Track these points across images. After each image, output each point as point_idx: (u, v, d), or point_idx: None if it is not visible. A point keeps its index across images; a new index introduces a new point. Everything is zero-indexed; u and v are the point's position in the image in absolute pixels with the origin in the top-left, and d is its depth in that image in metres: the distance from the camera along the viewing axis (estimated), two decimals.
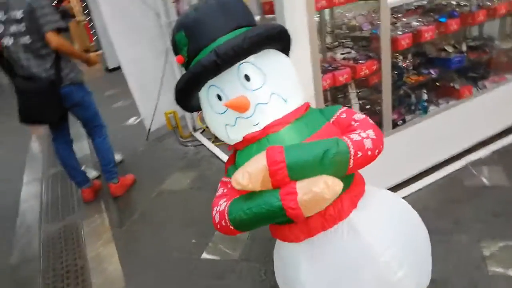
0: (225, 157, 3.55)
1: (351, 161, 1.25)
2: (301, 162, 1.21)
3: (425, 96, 2.58)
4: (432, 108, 2.63)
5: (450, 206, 2.37)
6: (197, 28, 1.37)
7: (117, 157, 3.83)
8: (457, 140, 2.77)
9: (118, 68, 7.32)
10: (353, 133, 1.31)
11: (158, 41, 4.06)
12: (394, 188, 2.53)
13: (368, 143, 1.28)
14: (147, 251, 2.62)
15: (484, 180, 2.55)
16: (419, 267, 1.49)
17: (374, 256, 1.36)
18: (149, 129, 4.34)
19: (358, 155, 1.25)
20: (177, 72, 4.04)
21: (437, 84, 2.81)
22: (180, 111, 4.16)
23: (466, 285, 1.83)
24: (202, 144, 4.01)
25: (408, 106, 2.62)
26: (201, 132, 4.28)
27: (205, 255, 2.43)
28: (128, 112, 5.33)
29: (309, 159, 1.21)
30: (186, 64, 1.45)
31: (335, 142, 1.24)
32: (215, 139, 3.90)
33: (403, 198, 2.41)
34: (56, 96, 2.88)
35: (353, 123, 1.39)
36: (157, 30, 4.03)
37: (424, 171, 2.67)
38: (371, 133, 1.32)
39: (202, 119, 4.29)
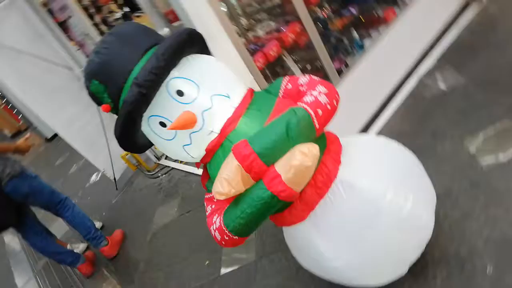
0: (199, 171, 3.48)
1: (315, 121, 1.25)
2: (269, 146, 1.20)
3: (355, 35, 2.61)
4: (366, 43, 2.67)
5: (422, 122, 2.42)
6: (107, 70, 1.30)
7: (97, 224, 3.68)
8: (402, 60, 2.83)
9: (56, 135, 7.06)
10: (305, 96, 1.31)
11: (81, 92, 3.88)
12: (366, 129, 2.57)
13: (323, 99, 1.28)
14: None
15: (441, 86, 2.61)
16: (422, 191, 1.53)
17: (378, 200, 1.38)
18: (115, 179, 4.21)
19: (320, 113, 1.25)
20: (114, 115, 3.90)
21: (362, 19, 2.84)
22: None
23: (468, 187, 1.87)
24: (172, 168, 3.92)
25: (344, 50, 2.65)
26: (165, 158, 4.18)
27: (224, 270, 2.39)
28: (86, 172, 5.15)
29: (276, 139, 1.20)
30: (114, 109, 1.38)
31: (292, 112, 1.23)
32: None
33: (377, 134, 2.50)
34: (2, 197, 2.71)
35: (300, 88, 1.39)
36: (75, 83, 3.87)
37: (386, 101, 2.71)
38: (321, 88, 1.32)
39: None
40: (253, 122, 1.32)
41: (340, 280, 1.56)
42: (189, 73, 1.33)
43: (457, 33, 2.99)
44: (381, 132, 2.52)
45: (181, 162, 3.82)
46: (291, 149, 1.20)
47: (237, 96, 1.36)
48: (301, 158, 1.16)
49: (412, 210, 1.40)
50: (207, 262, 2.54)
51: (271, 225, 2.33)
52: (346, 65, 2.50)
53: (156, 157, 4.22)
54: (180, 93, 1.30)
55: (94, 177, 4.97)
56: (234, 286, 2.25)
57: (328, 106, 1.28)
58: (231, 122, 1.32)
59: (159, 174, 3.99)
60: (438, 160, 2.09)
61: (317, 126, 1.25)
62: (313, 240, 1.45)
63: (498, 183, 1.81)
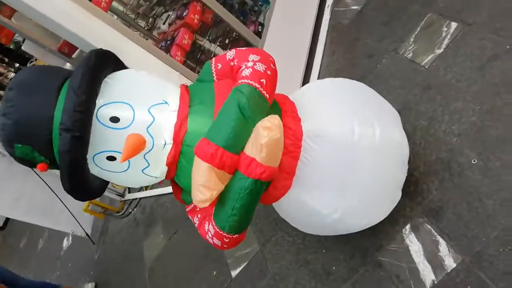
0: (167, 189, 3.33)
1: (263, 91, 1.19)
2: (231, 135, 1.13)
3: None
4: None
5: (352, 49, 2.39)
6: (25, 129, 1.14)
7: (89, 286, 3.53)
8: None
9: (8, 219, 6.64)
10: (242, 71, 1.23)
11: (13, 166, 3.58)
12: (305, 80, 2.52)
13: (260, 67, 1.23)
14: None
15: (354, 7, 2.58)
16: (383, 113, 1.52)
17: (348, 138, 1.35)
18: (87, 234, 3.95)
19: (264, 82, 1.20)
20: (57, 172, 3.64)
21: None
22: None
23: (420, 92, 1.86)
24: (140, 199, 3.74)
25: (252, 11, 2.56)
26: (129, 192, 3.98)
27: (234, 272, 2.31)
28: (55, 241, 4.81)
29: (234, 124, 1.14)
30: (52, 165, 1.22)
31: (237, 91, 1.17)
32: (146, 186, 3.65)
33: (318, 78, 2.47)
34: None
35: (231, 63, 1.31)
36: (3, 159, 3.55)
37: (311, 45, 2.65)
38: (253, 57, 1.27)
39: None
40: (202, 117, 1.24)
41: (345, 230, 1.54)
42: (115, 96, 1.20)
43: None
44: (320, 76, 2.48)
45: (145, 189, 3.64)
46: (253, 129, 1.14)
47: (174, 98, 1.26)
48: (267, 133, 1.11)
49: (383, 135, 1.39)
50: (215, 273, 2.45)
51: (260, 210, 2.29)
52: (261, 25, 2.42)
53: (119, 195, 4.00)
54: (114, 119, 1.17)
55: (65, 242, 4.65)
56: (251, 283, 2.18)
57: (269, 72, 1.22)
58: (180, 126, 1.22)
59: (130, 210, 3.79)
60: (384, 79, 2.08)
61: (266, 96, 1.20)
62: (306, 203, 1.41)
63: (446, 76, 1.81)
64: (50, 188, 3.56)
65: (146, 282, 2.97)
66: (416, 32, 2.08)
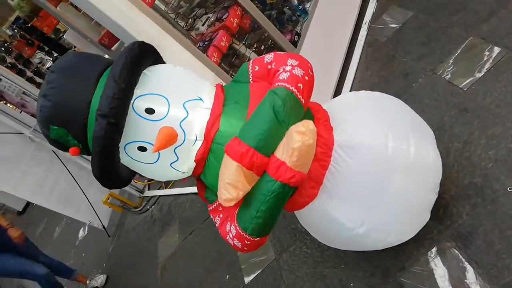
0: (187, 189, 3.35)
1: (299, 96, 1.18)
2: (263, 136, 1.13)
3: (295, 1, 2.53)
4: (308, 6, 2.59)
5: (389, 67, 2.37)
6: (63, 111, 1.17)
7: (101, 278, 3.58)
8: (346, 12, 2.77)
9: (28, 205, 6.74)
10: (279, 74, 1.23)
11: (40, 152, 3.68)
12: (337, 93, 2.50)
13: (298, 71, 1.22)
14: None
15: (393, 25, 2.57)
16: (419, 131, 1.48)
17: (382, 152, 1.32)
18: (104, 227, 4.00)
19: (301, 87, 1.19)
20: (82, 161, 3.71)
21: None
22: (114, 190, 3.87)
23: (457, 115, 1.83)
24: (159, 196, 3.76)
25: (290, 21, 2.57)
26: (149, 189, 4.01)
27: (247, 279, 2.29)
28: (72, 230, 4.90)
29: (267, 126, 1.13)
30: (84, 150, 1.25)
31: (273, 94, 1.16)
32: (166, 183, 3.67)
33: (350, 92, 2.44)
34: None
35: (269, 67, 1.31)
36: (30, 145, 3.64)
37: (346, 58, 2.64)
38: (292, 61, 1.26)
39: (139, 178, 4.02)
40: (235, 117, 1.23)
41: (368, 246, 1.50)
42: (152, 88, 1.22)
43: None
44: (353, 90, 2.46)
45: (165, 187, 3.66)
46: (286, 132, 1.13)
47: (209, 95, 1.26)
48: (301, 138, 1.09)
49: (418, 152, 1.35)
50: (228, 277, 2.43)
51: (279, 218, 2.26)
52: (298, 35, 2.42)
53: (139, 191, 4.04)
54: (150, 110, 1.18)
55: (81, 233, 4.72)
56: None
57: (306, 77, 1.22)
58: (212, 124, 1.22)
59: (148, 207, 3.82)
60: (419, 99, 2.05)
61: (302, 101, 1.19)
62: (331, 214, 1.38)
63: (485, 100, 1.77)
64: (73, 177, 3.65)
65: (158, 279, 2.97)
66: (456, 54, 2.04)
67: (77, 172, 3.75)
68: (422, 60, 2.20)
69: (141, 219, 3.80)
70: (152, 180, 3.91)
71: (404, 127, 1.41)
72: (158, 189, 3.80)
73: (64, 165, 3.70)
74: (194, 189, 3.22)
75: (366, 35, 2.70)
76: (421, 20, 2.40)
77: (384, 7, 2.75)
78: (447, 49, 2.10)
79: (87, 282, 3.47)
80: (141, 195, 4.02)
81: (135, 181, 4.02)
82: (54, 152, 3.61)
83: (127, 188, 3.98)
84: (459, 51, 2.04)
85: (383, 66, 2.42)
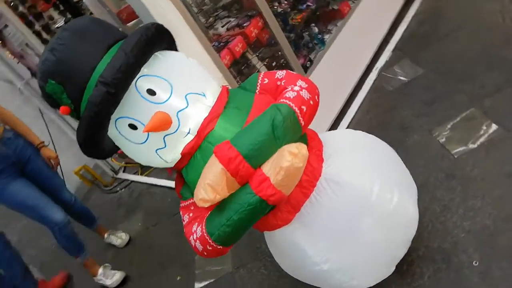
0: (162, 181, 3.30)
1: (301, 118, 1.18)
2: (255, 147, 1.11)
3: (315, 30, 2.57)
4: (327, 37, 2.63)
5: (389, 116, 2.41)
6: (66, 69, 1.16)
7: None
8: (361, 53, 2.84)
9: None
10: (286, 92, 1.23)
11: (26, 107, 3.60)
12: (333, 127, 2.52)
13: (305, 94, 1.22)
14: None
15: (401, 77, 2.62)
16: (405, 183, 1.50)
17: (365, 196, 1.33)
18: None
19: (304, 110, 1.20)
20: (64, 126, 3.65)
21: (318, 13, 2.81)
22: (90, 162, 3.80)
23: (442, 178, 1.86)
24: (132, 181, 3.69)
25: (306, 46, 2.60)
26: (123, 171, 3.94)
27: (198, 285, 2.24)
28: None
29: (262, 139, 1.12)
30: (75, 112, 1.23)
31: (276, 109, 1.16)
32: (142, 170, 3.61)
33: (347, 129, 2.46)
34: None
35: (278, 83, 1.31)
36: (20, 97, 3.57)
37: (349, 97, 2.69)
38: (301, 83, 1.26)
39: (117, 158, 3.95)
40: (232, 121, 1.22)
41: (328, 284, 1.48)
42: (160, 71, 1.21)
43: (406, 25, 3.06)
44: (349, 128, 2.49)
45: (141, 174, 3.60)
46: (278, 149, 1.12)
47: (213, 94, 1.25)
48: (291, 159, 1.08)
49: (399, 205, 1.36)
50: (178, 278, 2.38)
51: (246, 234, 2.24)
52: (310, 61, 2.44)
53: (113, 171, 3.97)
54: (151, 92, 1.17)
55: None
56: None
57: (311, 102, 1.22)
58: (209, 122, 1.21)
59: (118, 189, 3.75)
60: (409, 153, 2.07)
61: (302, 123, 1.19)
62: (300, 244, 1.36)
63: (472, 171, 1.80)
64: (51, 139, 3.54)
65: (109, 261, 2.87)
66: (455, 121, 2.08)
67: (57, 136, 3.67)
68: (422, 118, 2.24)
69: (108, 199, 3.72)
70: (130, 163, 3.85)
71: (392, 177, 1.43)
72: (133, 174, 3.73)
73: (46, 125, 3.63)
74: (169, 183, 3.18)
75: (374, 80, 2.75)
76: (430, 80, 2.46)
77: (398, 58, 2.81)
78: (448, 114, 2.15)
79: (105, 235, 3.01)
80: (115, 176, 3.95)
81: (112, 159, 3.95)
82: (40, 111, 3.54)
83: (102, 165, 3.91)
84: (458, 119, 2.08)
85: (384, 113, 2.46)
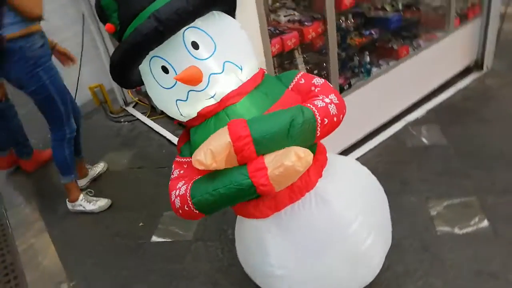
0: (164, 132, 3.33)
1: (319, 129, 1.20)
2: (267, 135, 1.13)
3: (367, 58, 2.57)
4: (374, 70, 2.63)
5: (396, 168, 2.43)
6: None
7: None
8: (396, 101, 2.84)
9: None
10: (316, 99, 1.24)
11: (69, 7, 3.62)
12: (343, 153, 2.54)
13: (332, 109, 1.23)
14: (88, 239, 2.40)
15: (424, 139, 2.64)
16: (383, 232, 1.52)
17: (344, 226, 1.35)
18: None
19: (325, 122, 1.21)
20: (99, 41, 3.66)
21: (376, 45, 2.81)
22: (107, 83, 3.82)
23: (417, 247, 1.89)
24: (137, 119, 3.71)
25: (352, 70, 2.60)
26: (134, 106, 3.97)
27: (155, 238, 2.28)
28: None
29: (276, 131, 1.13)
30: (118, 33, 1.25)
31: (300, 110, 1.17)
32: (151, 113, 3.64)
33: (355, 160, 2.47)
34: None
35: (313, 88, 1.32)
36: None
37: (368, 135, 2.70)
38: (333, 97, 1.27)
39: (133, 92, 3.98)
40: (256, 104, 1.24)
41: None
42: (211, 29, 1.22)
43: (452, 94, 3.08)
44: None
45: (149, 116, 3.64)
46: (286, 147, 1.14)
47: (249, 71, 1.27)
48: (295, 160, 1.10)
49: (371, 248, 1.39)
50: (141, 224, 2.42)
51: (219, 213, 2.26)
52: (349, 85, 2.45)
53: (124, 102, 4.00)
54: (195, 45, 1.19)
55: None
56: (160, 257, 2.15)
57: (335, 118, 1.23)
58: (234, 95, 1.22)
59: (122, 120, 3.78)
60: (399, 209, 2.05)
61: (318, 134, 1.20)
62: (266, 242, 1.39)
63: (446, 254, 1.83)
64: (82, 46, 3.56)
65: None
66: (453, 202, 2.11)
67: (88, 46, 3.68)
68: (425, 184, 2.26)
69: (108, 126, 3.75)
70: (142, 101, 3.88)
71: (375, 221, 1.45)
72: (142, 113, 3.76)
73: (83, 33, 3.65)
74: (170, 136, 3.21)
75: (398, 131, 2.77)
76: (449, 154, 2.48)
77: (429, 120, 2.83)
78: (450, 192, 2.17)
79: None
80: (124, 107, 3.98)
81: (128, 91, 3.98)
82: (83, 16, 3.55)
83: (117, 92, 3.93)
84: (457, 201, 2.11)
85: (393, 163, 2.48)
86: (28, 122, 3.14)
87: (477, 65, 3.33)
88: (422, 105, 2.97)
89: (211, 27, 1.23)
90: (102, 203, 2.61)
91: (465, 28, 3.11)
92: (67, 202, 2.63)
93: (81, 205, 2.60)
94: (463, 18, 3.08)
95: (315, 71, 2.34)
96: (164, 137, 3.28)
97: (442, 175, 2.30)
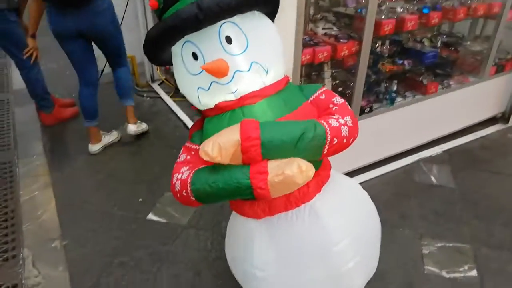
0: (182, 115, 3.39)
1: (327, 147, 1.21)
2: (276, 142, 1.15)
3: (395, 87, 2.57)
4: (398, 100, 2.64)
5: (399, 200, 2.44)
6: None
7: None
8: (414, 134, 2.84)
9: None
10: (331, 118, 1.26)
11: None
12: (349, 174, 2.54)
13: (345, 131, 1.24)
14: (88, 203, 2.47)
15: (433, 178, 2.64)
16: (368, 258, 1.53)
17: (330, 244, 1.36)
18: (102, 70, 4.00)
19: (334, 142, 1.22)
20: (140, 13, 3.73)
21: (407, 75, 2.82)
22: (139, 56, 3.89)
23: (401, 281, 1.90)
24: (159, 97, 3.79)
25: (376, 95, 2.61)
26: (159, 84, 4.04)
27: (151, 216, 2.33)
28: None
29: (285, 140, 1.15)
30: (160, 12, 1.30)
31: (313, 126, 1.19)
32: (174, 94, 3.70)
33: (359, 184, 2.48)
34: None
35: (331, 106, 1.33)
36: None
37: (379, 161, 2.71)
38: (348, 120, 1.28)
39: (162, 71, 4.05)
40: (272, 109, 1.26)
41: None
42: (248, 28, 1.25)
43: (471, 139, 3.07)
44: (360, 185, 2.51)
45: (171, 96, 3.70)
46: (292, 157, 1.16)
47: (274, 76, 1.30)
48: (296, 171, 1.12)
49: (351, 270, 1.40)
50: (140, 200, 2.47)
51: (217, 205, 2.31)
52: (371, 109, 2.46)
53: (151, 78, 4.08)
54: (229, 39, 1.22)
55: None
56: (151, 236, 2.20)
57: (345, 140, 1.25)
58: (254, 96, 1.25)
59: (145, 95, 3.86)
60: (390, 241, 2.10)
61: (324, 152, 1.22)
62: (253, 241, 1.42)
63: None
64: (124, 13, 3.62)
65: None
66: (447, 245, 2.12)
67: (129, 16, 3.69)
68: (422, 221, 2.27)
69: None
70: (168, 80, 3.95)
71: (362, 247, 1.45)
72: (165, 92, 3.83)
73: (127, 3, 3.71)
74: (188, 120, 3.28)
75: (409, 164, 2.77)
76: (454, 197, 2.47)
77: (441, 161, 2.82)
78: (445, 234, 2.17)
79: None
80: (150, 83, 4.06)
81: (157, 69, 4.05)
82: None
83: (146, 67, 4.01)
84: (450, 245, 2.11)
85: (396, 195, 2.49)
86: (56, 78, 3.23)
87: (504, 117, 3.32)
88: (439, 144, 2.97)
89: (248, 25, 1.26)
90: (139, 127, 3.12)
91: (500, 78, 3.10)
92: (89, 145, 2.96)
93: (104, 140, 3.03)
94: (500, 68, 3.06)
95: (340, 88, 2.35)
96: (181, 120, 3.34)
97: (442, 217, 2.30)
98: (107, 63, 3.08)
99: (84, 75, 2.84)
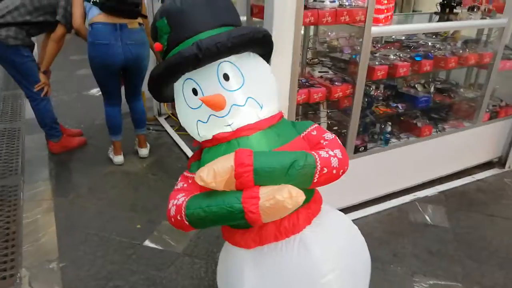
0: (185, 147, 3.51)
1: (316, 175, 1.28)
2: (268, 169, 1.23)
3: (389, 128, 2.68)
4: (393, 140, 2.74)
5: (392, 238, 2.48)
6: (181, 19, 1.36)
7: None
8: (410, 174, 2.91)
9: None
10: (322, 150, 1.34)
11: None
12: (344, 211, 2.58)
13: (334, 162, 1.32)
14: (88, 228, 2.53)
15: (427, 218, 2.69)
16: None
17: (318, 275, 1.37)
18: None
19: (324, 171, 1.28)
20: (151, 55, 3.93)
21: (401, 118, 2.93)
22: (147, 92, 4.05)
23: None
24: (165, 130, 3.93)
25: (371, 135, 2.71)
26: (165, 118, 4.20)
27: (147, 243, 2.39)
28: (91, 82, 4.99)
29: (277, 167, 1.23)
30: (164, 53, 1.43)
31: (304, 155, 1.27)
32: (179, 128, 3.84)
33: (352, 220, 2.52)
34: None
35: (322, 141, 1.42)
36: None
37: (374, 199, 2.77)
38: (338, 153, 1.36)
39: (169, 106, 4.21)
40: (266, 141, 1.35)
41: None
42: (243, 66, 1.37)
43: (467, 182, 3.14)
44: (354, 223, 2.54)
45: (176, 130, 3.83)
46: (283, 184, 1.23)
47: (269, 111, 1.40)
48: (286, 196, 1.19)
49: None
50: (138, 226, 2.54)
51: (215, 233, 2.36)
52: (365, 148, 2.55)
53: (158, 112, 4.24)
54: (226, 77, 1.34)
55: (94, 91, 4.91)
56: (146, 261, 2.24)
57: (334, 171, 1.32)
58: (249, 129, 1.35)
59: (151, 128, 3.99)
60: (383, 278, 2.13)
61: (315, 180, 1.28)
62: (243, 271, 1.45)
63: None
64: None
65: (100, 176, 3.10)
66: (438, 283, 2.13)
67: None
68: (416, 260, 2.29)
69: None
70: (174, 115, 4.09)
71: (350, 281, 1.48)
72: (171, 126, 3.97)
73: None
74: (190, 153, 3.38)
75: (405, 203, 2.82)
76: (448, 238, 2.50)
77: (437, 201, 2.87)
78: (438, 273, 2.20)
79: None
80: (156, 116, 4.22)
81: (164, 104, 4.22)
82: None
83: (154, 102, 4.18)
84: (442, 283, 2.12)
85: (390, 233, 2.52)
86: (66, 109, 3.38)
87: (500, 162, 3.40)
88: (435, 185, 3.04)
89: (244, 64, 1.38)
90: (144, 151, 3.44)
91: (494, 125, 3.20)
92: (113, 155, 3.33)
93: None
94: (494, 115, 3.18)
95: (335, 127, 2.46)
96: (184, 153, 3.46)
97: (435, 256, 2.33)
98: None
99: (111, 97, 3.14)
